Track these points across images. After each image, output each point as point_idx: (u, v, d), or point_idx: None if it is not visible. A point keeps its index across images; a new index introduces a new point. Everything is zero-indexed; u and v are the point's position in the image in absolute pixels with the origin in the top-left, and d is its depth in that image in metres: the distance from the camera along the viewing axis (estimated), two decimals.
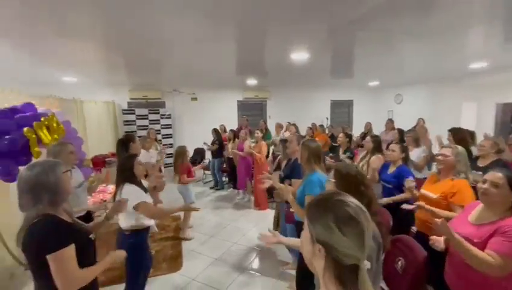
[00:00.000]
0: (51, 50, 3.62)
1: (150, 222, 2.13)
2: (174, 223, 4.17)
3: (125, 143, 2.89)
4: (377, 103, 9.43)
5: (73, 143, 2.94)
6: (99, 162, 4.87)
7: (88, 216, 2.43)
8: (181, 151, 3.75)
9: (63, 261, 1.13)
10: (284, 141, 3.34)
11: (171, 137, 7.53)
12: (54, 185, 1.21)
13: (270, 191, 4.69)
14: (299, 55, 4.18)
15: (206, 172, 6.75)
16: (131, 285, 2.10)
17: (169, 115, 7.49)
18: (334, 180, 1.43)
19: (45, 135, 2.76)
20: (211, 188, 6.19)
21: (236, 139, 5.46)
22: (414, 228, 2.31)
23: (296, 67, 5.05)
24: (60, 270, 1.12)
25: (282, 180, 2.63)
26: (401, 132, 4.17)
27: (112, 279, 2.68)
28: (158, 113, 7.36)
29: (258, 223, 4.18)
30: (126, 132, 6.65)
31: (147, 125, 7.17)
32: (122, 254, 1.52)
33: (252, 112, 8.39)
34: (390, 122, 5.75)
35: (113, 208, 1.73)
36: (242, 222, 4.26)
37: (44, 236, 1.13)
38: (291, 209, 2.27)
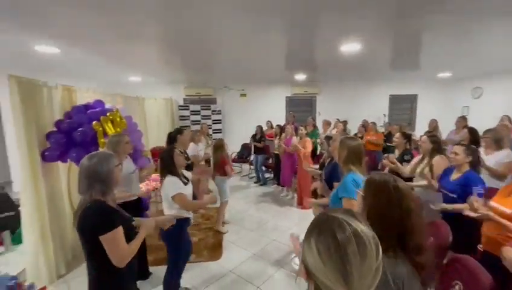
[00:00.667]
0: (120, 53, 4.12)
1: (189, 214, 2.26)
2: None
3: (173, 136, 3.11)
4: (448, 97, 8.19)
5: (133, 135, 3.32)
6: (157, 153, 5.39)
7: (138, 201, 2.69)
8: (219, 144, 3.85)
9: (115, 240, 1.29)
10: (328, 138, 3.15)
11: (220, 132, 7.86)
12: (105, 176, 1.36)
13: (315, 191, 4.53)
14: (354, 46, 3.88)
15: (252, 167, 6.87)
16: (171, 268, 2.28)
17: (219, 110, 7.82)
18: (362, 193, 1.06)
19: (109, 128, 3.15)
20: (255, 183, 6.27)
21: (283, 134, 5.39)
22: (481, 246, 1.93)
23: (349, 59, 4.71)
24: (113, 248, 1.29)
25: (327, 183, 2.51)
26: (472, 131, 3.48)
27: (160, 260, 2.94)
28: (209, 109, 7.76)
29: (300, 223, 4.07)
30: (181, 126, 7.19)
31: (199, 121, 7.64)
32: (151, 223, 1.61)
33: (301, 108, 8.18)
34: (462, 120, 4.93)
35: (158, 221, 1.80)
36: (283, 220, 4.21)
37: (98, 220, 1.30)
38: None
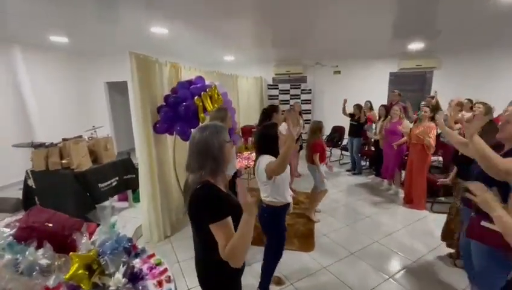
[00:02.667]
0: (217, 30, 4.15)
1: (285, 199, 2.00)
2: (308, 200, 4.04)
3: (268, 113, 2.88)
4: None
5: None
6: (246, 132, 5.42)
7: (234, 177, 2.62)
8: (317, 126, 3.42)
9: (226, 229, 1.09)
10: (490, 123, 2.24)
11: (309, 113, 7.38)
12: (217, 151, 1.15)
13: (433, 187, 3.64)
14: None
15: (344, 152, 6.19)
16: (271, 257, 2.13)
17: (309, 90, 7.30)
18: None
19: (209, 104, 3.17)
20: (348, 171, 5.62)
21: (388, 117, 4.52)
22: None
23: (491, 15, 3.39)
24: (222, 238, 1.08)
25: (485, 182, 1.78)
26: None
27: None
28: (299, 88, 7.33)
29: (409, 225, 3.34)
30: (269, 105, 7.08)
31: (288, 100, 7.34)
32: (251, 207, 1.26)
33: (409, 87, 6.77)
34: None
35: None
36: (386, 218, 3.54)
37: (208, 206, 1.10)
38: (483, 223, 1.51)
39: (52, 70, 5.48)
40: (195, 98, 3.00)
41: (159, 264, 1.48)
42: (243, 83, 6.19)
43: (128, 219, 3.41)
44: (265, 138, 1.95)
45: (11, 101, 4.62)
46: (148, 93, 2.84)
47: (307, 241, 3.01)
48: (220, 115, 2.35)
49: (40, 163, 3.01)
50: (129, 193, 3.82)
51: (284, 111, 4.16)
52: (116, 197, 3.87)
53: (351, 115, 5.40)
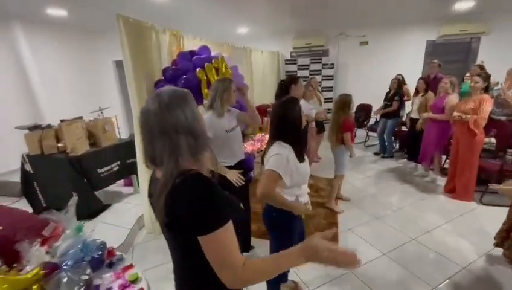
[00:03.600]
0: None
1: (304, 198, 1.55)
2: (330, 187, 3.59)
3: (286, 86, 2.38)
4: None
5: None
6: (261, 111, 4.94)
7: (240, 164, 2.18)
8: (345, 100, 2.86)
9: (225, 242, 0.70)
10: None
11: (331, 90, 6.70)
12: (190, 122, 0.74)
13: (483, 175, 3.04)
14: None
15: (371, 133, 5.56)
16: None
17: (332, 64, 6.57)
18: None
19: (213, 77, 2.73)
20: (375, 154, 5.03)
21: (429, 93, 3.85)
22: None
23: None
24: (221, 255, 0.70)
25: None
26: None
27: (263, 233, 2.50)
28: (320, 62, 6.62)
29: (453, 220, 2.80)
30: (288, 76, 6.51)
31: (308, 77, 6.67)
32: None
33: (450, 57, 5.85)
34: None
35: None
36: (423, 211, 3.02)
37: (200, 207, 0.68)
38: None
39: (58, 48, 5.21)
40: (198, 70, 2.56)
41: (134, 281, 1.12)
42: (258, 57, 5.62)
43: (133, 205, 3.17)
44: (281, 118, 1.47)
45: (14, 82, 4.43)
46: (142, 66, 2.43)
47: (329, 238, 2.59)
48: (222, 86, 1.91)
49: (35, 146, 2.77)
50: (134, 177, 3.55)
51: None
52: (122, 181, 3.64)
53: (387, 95, 4.73)
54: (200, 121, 0.78)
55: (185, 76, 2.48)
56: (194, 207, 0.68)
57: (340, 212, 2.99)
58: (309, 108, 3.55)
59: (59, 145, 2.78)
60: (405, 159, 4.51)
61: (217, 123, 1.90)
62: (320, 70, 6.65)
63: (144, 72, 2.44)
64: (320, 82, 6.62)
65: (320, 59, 6.60)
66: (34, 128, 2.92)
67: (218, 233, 0.67)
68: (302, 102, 3.48)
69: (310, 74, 6.69)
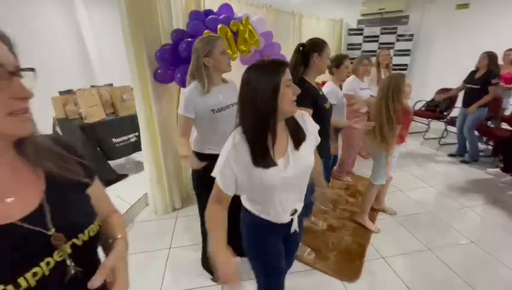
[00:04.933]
0: None
1: (267, 216, 1.01)
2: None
3: (305, 52, 1.69)
4: None
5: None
6: None
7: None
8: (397, 81, 1.98)
9: None
10: None
11: (405, 68, 5.35)
12: None
13: None
14: None
15: (450, 128, 4.26)
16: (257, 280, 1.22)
17: (410, 35, 5.17)
18: None
19: (229, 43, 2.22)
20: (451, 155, 3.82)
21: None
22: None
23: None
24: None
25: None
26: None
27: None
28: (394, 33, 5.29)
29: None
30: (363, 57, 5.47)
31: (375, 51, 5.45)
32: None
33: None
34: None
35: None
36: None
37: None
38: None
39: (113, 14, 5.38)
40: (205, 32, 2.08)
41: None
42: (311, 26, 4.75)
43: (134, 184, 3.03)
44: (241, 93, 0.93)
45: (72, 47, 4.74)
46: (144, 25, 2.08)
47: (349, 262, 1.95)
48: (204, 48, 1.39)
49: (59, 110, 2.83)
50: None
51: (352, 60, 2.77)
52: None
53: (471, 75, 3.44)
54: None
55: (187, 39, 2.04)
56: None
57: (374, 230, 2.26)
58: (358, 88, 2.74)
59: (80, 111, 2.78)
60: (497, 169, 3.25)
61: (200, 100, 1.43)
62: (393, 44, 5.34)
63: (145, 34, 2.09)
64: (391, 58, 5.35)
65: (395, 28, 5.26)
66: (65, 92, 2.99)
67: None
68: (351, 79, 2.71)
69: (379, 48, 5.45)
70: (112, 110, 2.97)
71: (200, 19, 2.27)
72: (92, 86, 3.12)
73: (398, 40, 5.29)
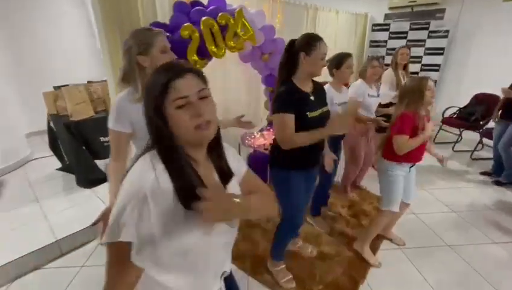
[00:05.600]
0: None
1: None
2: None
3: (294, 51, 1.38)
4: None
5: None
6: None
7: None
8: (414, 85, 1.59)
9: None
10: None
11: (437, 70, 4.73)
12: None
13: None
14: None
15: (486, 141, 3.66)
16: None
17: (445, 31, 4.53)
18: None
19: (212, 39, 1.95)
20: (484, 174, 3.25)
21: None
22: None
23: None
24: None
25: None
26: None
27: None
28: (426, 28, 4.67)
29: None
30: (372, 57, 4.99)
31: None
32: None
33: None
34: None
35: None
36: None
37: None
38: None
39: None
40: (185, 27, 1.84)
41: None
42: (329, 20, 4.32)
43: None
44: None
45: (85, 38, 4.75)
46: (121, 20, 1.89)
47: None
48: (139, 46, 1.11)
49: (51, 106, 2.77)
50: None
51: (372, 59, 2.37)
52: None
53: None
54: None
55: (166, 34, 1.81)
56: None
57: (374, 264, 1.89)
58: (367, 93, 2.34)
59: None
60: None
61: (134, 109, 1.08)
62: (423, 41, 4.74)
63: (121, 31, 1.89)
64: (420, 58, 4.78)
65: (428, 23, 4.65)
66: (57, 88, 2.93)
67: None
68: (359, 82, 2.35)
69: (407, 45, 4.87)
70: (103, 108, 2.85)
71: (185, 11, 2.04)
72: (89, 82, 3.03)
73: (430, 37, 4.68)
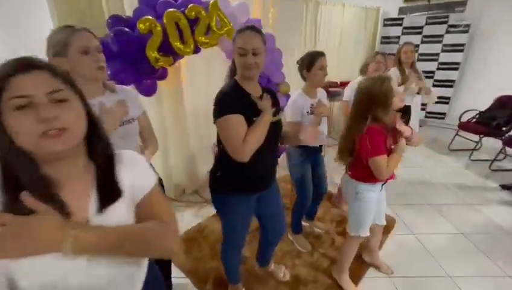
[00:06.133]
0: None
1: None
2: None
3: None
4: None
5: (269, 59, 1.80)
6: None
7: None
8: (376, 90, 1.26)
9: None
10: None
11: (456, 68, 4.27)
12: None
13: None
14: None
15: (509, 149, 3.21)
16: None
17: (466, 26, 4.07)
18: None
19: (176, 35, 1.75)
20: (505, 187, 2.83)
21: None
22: None
23: None
24: None
25: None
26: None
27: None
28: (445, 23, 4.22)
29: None
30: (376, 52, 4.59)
31: (418, 45, 4.45)
32: None
33: None
34: None
35: None
36: None
37: None
38: None
39: None
40: (142, 20, 1.65)
41: None
42: (334, 14, 3.99)
43: None
44: None
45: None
46: (80, 15, 1.74)
47: None
48: (61, 46, 0.94)
49: None
50: None
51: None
52: None
53: None
54: None
55: (125, 29, 1.63)
56: None
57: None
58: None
59: None
60: None
61: None
62: (441, 36, 4.29)
63: (81, 24, 1.74)
64: (437, 55, 4.34)
65: (447, 17, 4.20)
66: None
67: None
68: (357, 80, 2.13)
69: (423, 42, 4.46)
70: None
71: (151, 3, 1.85)
72: None
73: (448, 32, 4.22)
